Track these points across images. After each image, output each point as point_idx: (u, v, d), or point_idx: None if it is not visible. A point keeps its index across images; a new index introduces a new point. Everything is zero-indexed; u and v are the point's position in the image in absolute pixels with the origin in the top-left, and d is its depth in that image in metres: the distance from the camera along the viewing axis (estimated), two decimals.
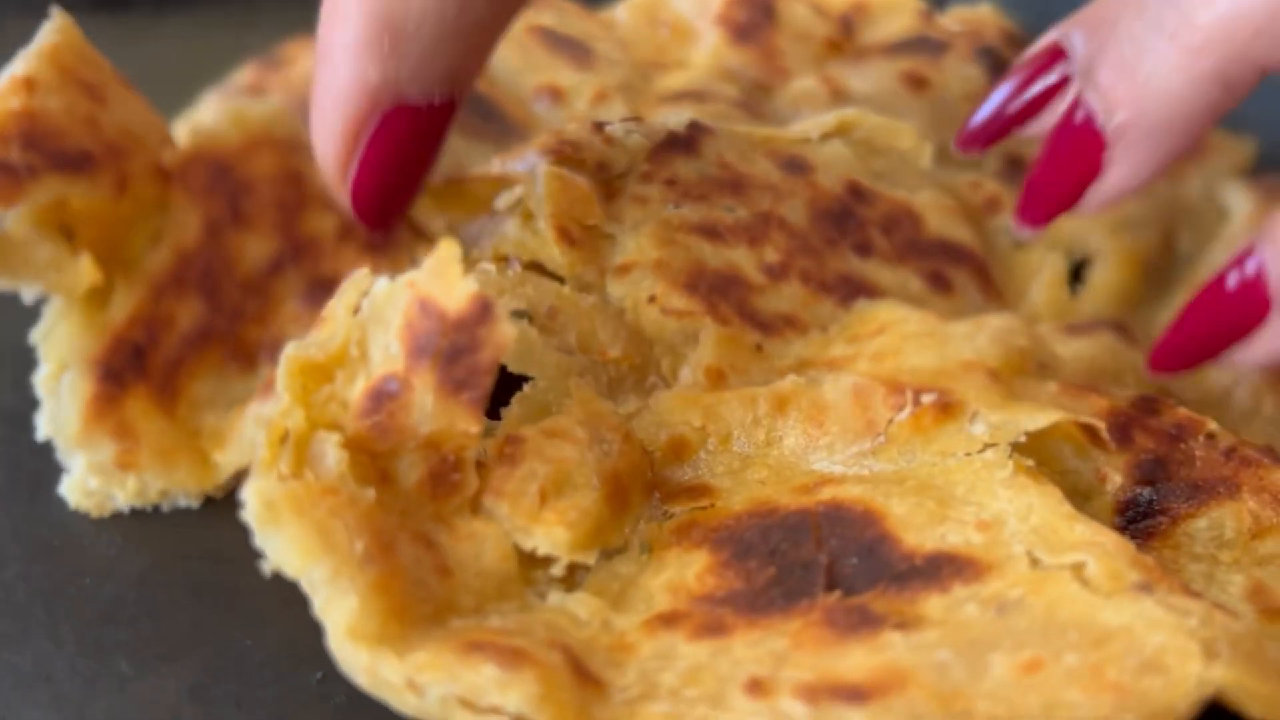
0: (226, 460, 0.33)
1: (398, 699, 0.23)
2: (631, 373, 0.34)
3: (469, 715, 0.22)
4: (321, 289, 0.34)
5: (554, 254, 0.36)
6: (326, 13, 0.30)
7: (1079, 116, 0.32)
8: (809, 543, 0.27)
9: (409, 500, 0.26)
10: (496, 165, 0.38)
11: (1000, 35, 0.54)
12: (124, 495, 0.33)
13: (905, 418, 0.29)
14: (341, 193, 0.33)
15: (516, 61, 0.47)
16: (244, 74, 0.46)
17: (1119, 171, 0.31)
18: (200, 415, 0.34)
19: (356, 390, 0.26)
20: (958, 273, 0.40)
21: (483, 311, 0.26)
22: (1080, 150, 0.32)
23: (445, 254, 0.27)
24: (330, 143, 0.31)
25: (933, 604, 0.24)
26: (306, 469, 0.25)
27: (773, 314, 0.36)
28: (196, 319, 0.33)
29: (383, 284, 0.27)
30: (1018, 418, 0.28)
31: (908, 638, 0.23)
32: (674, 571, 0.27)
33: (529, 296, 0.34)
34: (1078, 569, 0.25)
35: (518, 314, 0.34)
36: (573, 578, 0.28)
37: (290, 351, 0.27)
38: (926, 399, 0.29)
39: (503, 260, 0.36)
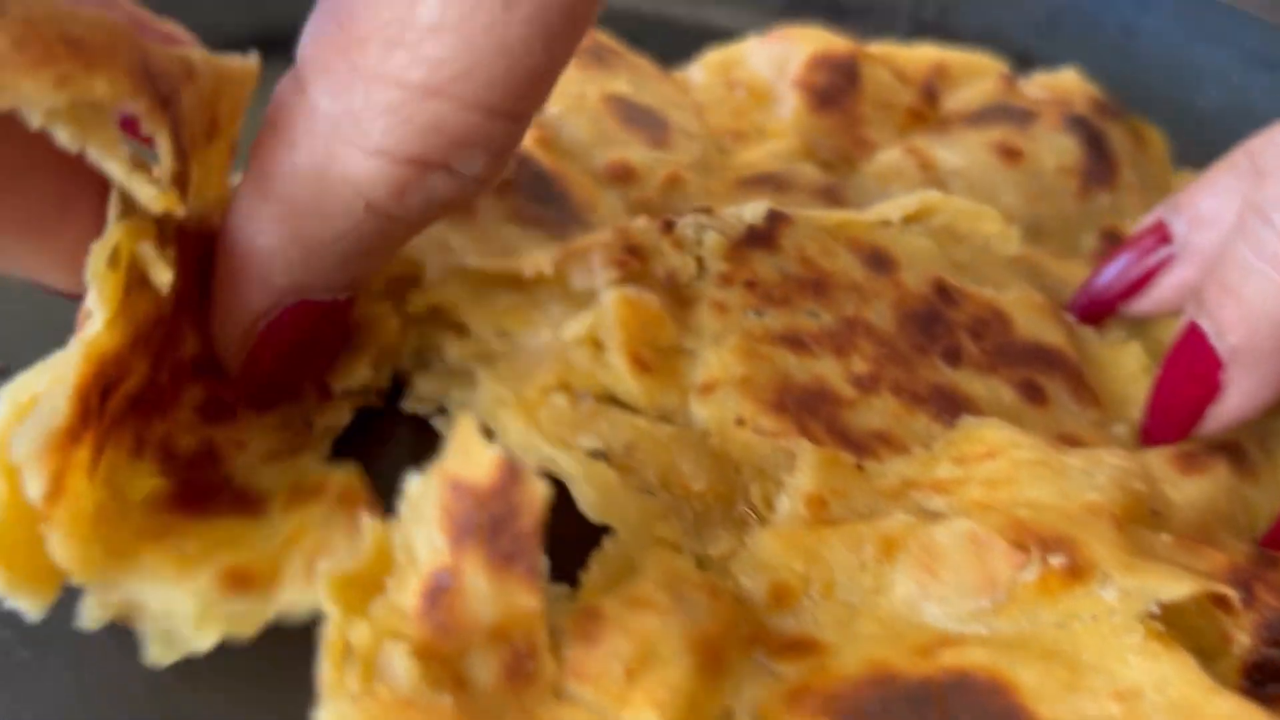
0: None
1: None
2: (718, 504, 0.32)
3: None
4: None
5: (627, 383, 0.34)
6: (237, 212, 0.29)
7: (1193, 338, 0.33)
8: (934, 716, 0.25)
9: (489, 700, 0.24)
10: (548, 262, 0.36)
11: (1089, 103, 0.52)
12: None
13: (1032, 579, 0.27)
14: (233, 365, 0.32)
15: (589, 134, 0.45)
16: None
17: (1238, 392, 0.32)
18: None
19: (410, 593, 0.25)
20: (1050, 381, 0.38)
21: (511, 474, 0.24)
22: (1198, 372, 0.33)
23: (465, 430, 0.25)
24: (230, 330, 0.31)
25: None
26: (377, 683, 0.23)
27: (866, 431, 0.35)
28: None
29: (414, 482, 0.26)
30: (1151, 584, 0.27)
31: None
32: None
33: (604, 433, 0.33)
34: None
35: (595, 454, 0.32)
36: None
37: (327, 568, 0.25)
38: (1055, 560, 0.27)
39: (569, 390, 0.34)
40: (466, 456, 0.25)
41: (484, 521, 0.24)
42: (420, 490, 0.26)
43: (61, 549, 0.25)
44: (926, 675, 0.26)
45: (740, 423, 0.33)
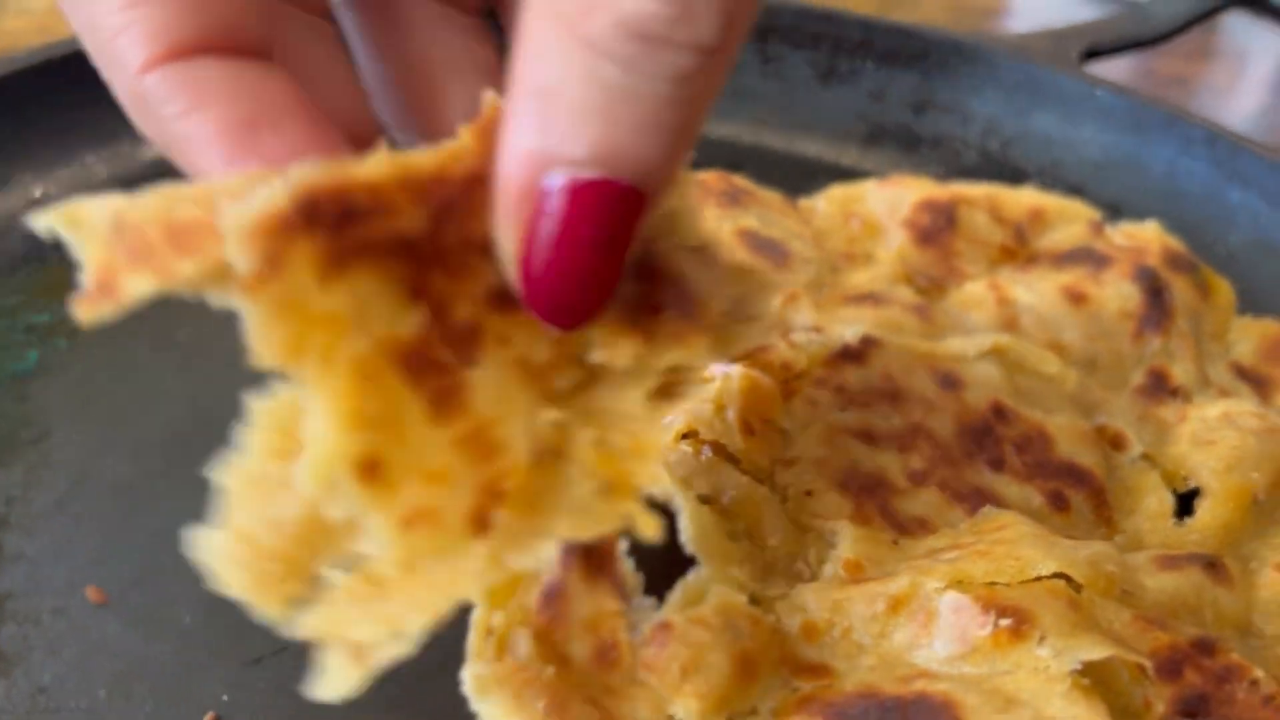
0: None
1: None
2: (785, 558, 0.43)
3: None
4: None
5: (736, 440, 0.45)
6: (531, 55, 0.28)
7: None
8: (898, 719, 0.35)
9: (582, 674, 0.36)
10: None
11: (1163, 255, 0.61)
12: None
13: (987, 634, 0.37)
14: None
15: None
16: None
17: None
18: None
19: (533, 596, 0.37)
20: (1076, 494, 0.47)
21: None
22: None
23: None
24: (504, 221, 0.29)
25: None
26: (506, 654, 0.35)
27: (909, 516, 0.45)
28: None
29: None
30: (1078, 646, 0.36)
31: None
32: None
33: (714, 483, 0.44)
34: None
35: (704, 498, 0.43)
36: None
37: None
38: (1004, 623, 0.37)
39: (694, 435, 0.45)
40: None
41: (580, 548, 0.36)
42: None
43: (261, 327, 0.26)
44: (900, 694, 0.36)
45: (809, 494, 0.44)
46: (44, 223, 0.28)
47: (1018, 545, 0.40)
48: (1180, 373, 0.56)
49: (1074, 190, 0.68)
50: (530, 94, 0.27)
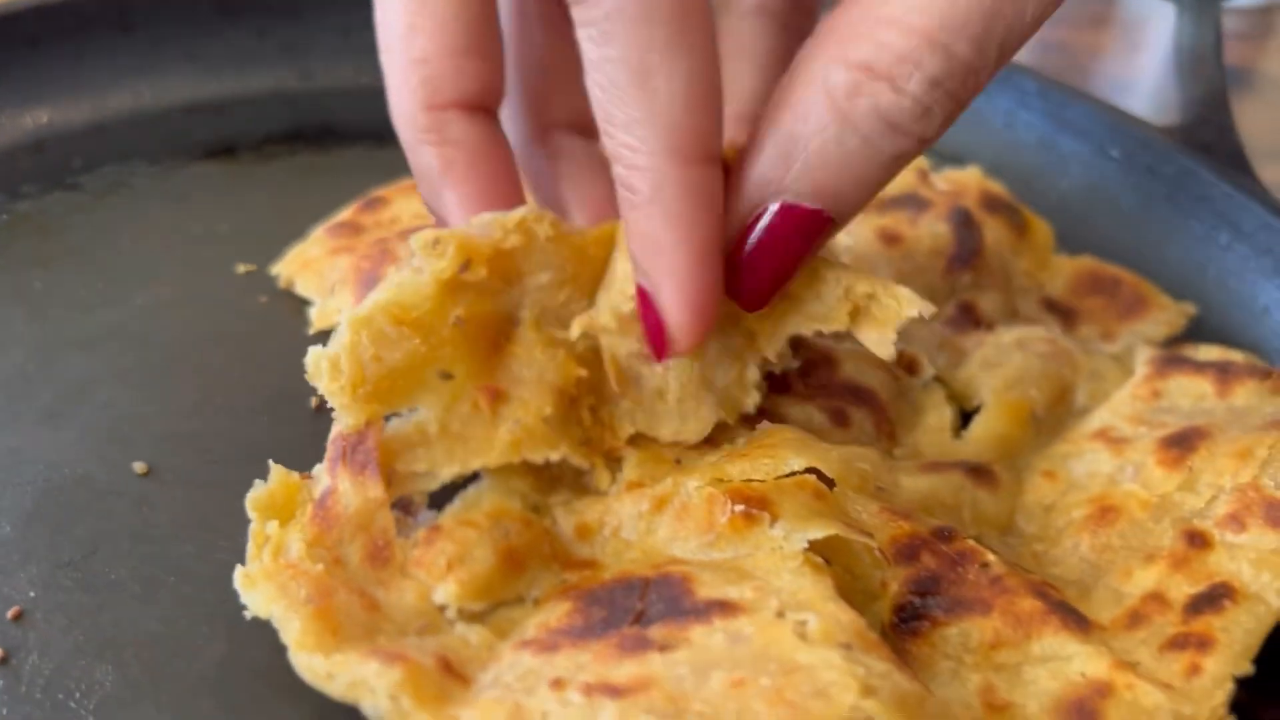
0: None
1: (326, 685, 0.35)
2: (571, 473, 0.45)
3: (366, 695, 0.34)
4: None
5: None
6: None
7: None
8: (636, 596, 0.37)
9: (356, 572, 0.38)
10: None
11: (980, 197, 0.63)
12: None
13: (725, 521, 0.39)
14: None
15: None
16: (345, 212, 0.60)
17: None
18: None
19: (309, 506, 0.39)
20: (858, 411, 0.49)
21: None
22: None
23: None
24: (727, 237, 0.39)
25: (695, 633, 0.35)
26: (280, 557, 0.38)
27: None
28: None
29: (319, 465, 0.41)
30: (808, 528, 0.38)
31: (664, 656, 0.34)
32: (545, 614, 0.38)
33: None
34: (801, 624, 0.35)
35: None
36: (481, 617, 0.39)
37: (251, 495, 0.40)
38: (737, 509, 0.39)
39: None
40: (341, 419, 0.40)
41: (347, 448, 0.38)
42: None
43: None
44: (644, 575, 0.38)
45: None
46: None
47: (777, 449, 0.43)
48: (988, 305, 0.58)
49: (950, 155, 0.71)
50: (781, 137, 0.38)
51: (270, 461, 0.41)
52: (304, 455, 0.42)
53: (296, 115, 0.73)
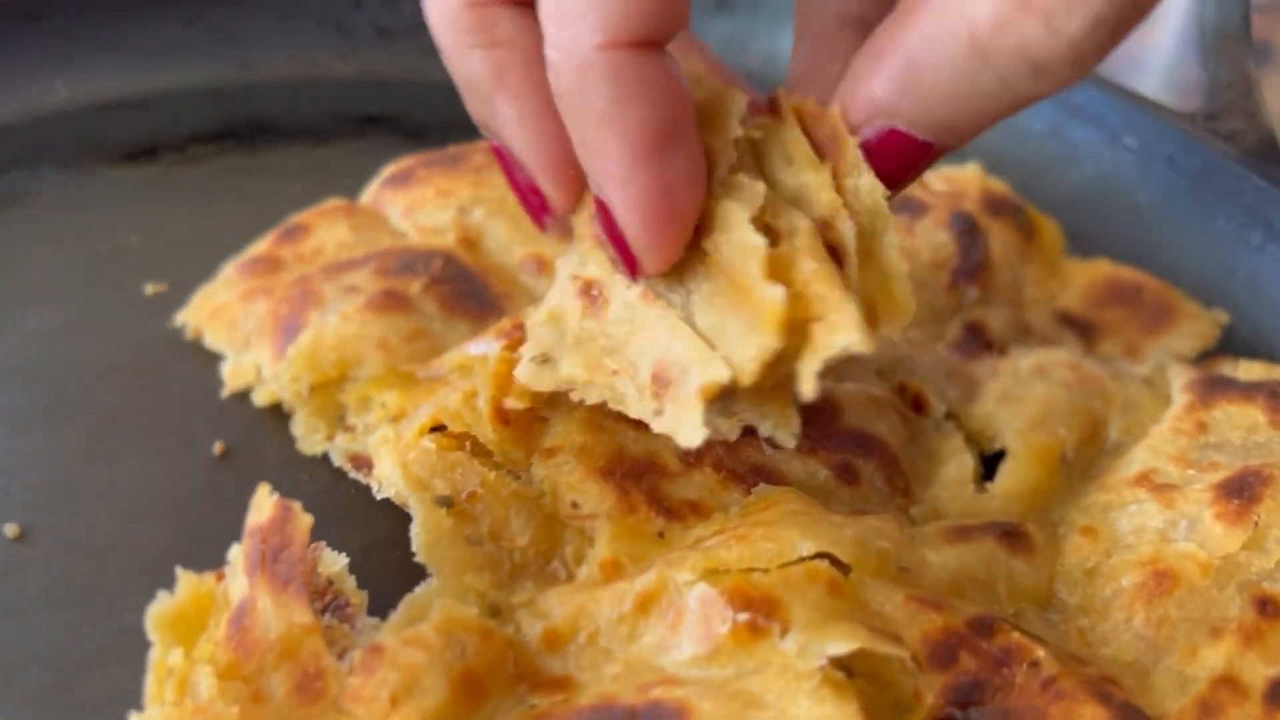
0: None
1: None
2: (537, 558, 0.38)
3: None
4: None
5: (487, 431, 0.40)
6: None
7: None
8: None
9: (281, 712, 0.31)
10: (459, 352, 0.43)
11: (981, 198, 0.57)
12: None
13: (725, 632, 0.33)
14: None
15: (507, 233, 0.52)
16: (261, 245, 0.52)
17: None
18: None
19: (223, 624, 0.32)
20: (866, 464, 0.43)
21: (284, 512, 0.32)
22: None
23: (260, 490, 0.33)
24: None
25: None
26: (186, 698, 0.31)
27: (680, 500, 0.40)
28: None
29: (235, 549, 0.33)
30: (825, 639, 0.32)
31: None
32: None
33: (456, 481, 0.39)
34: None
35: (441, 500, 0.39)
36: None
37: (152, 610, 0.33)
38: (741, 618, 0.32)
39: (441, 430, 0.41)
40: (259, 507, 0.32)
41: (265, 552, 0.31)
42: (237, 553, 0.33)
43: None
44: (631, 704, 0.31)
45: (570, 488, 0.39)
46: None
47: (777, 526, 0.36)
48: (998, 324, 0.52)
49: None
50: (903, 60, 0.33)
51: (178, 569, 0.34)
52: (203, 509, 0.39)
53: (227, 111, 0.66)
